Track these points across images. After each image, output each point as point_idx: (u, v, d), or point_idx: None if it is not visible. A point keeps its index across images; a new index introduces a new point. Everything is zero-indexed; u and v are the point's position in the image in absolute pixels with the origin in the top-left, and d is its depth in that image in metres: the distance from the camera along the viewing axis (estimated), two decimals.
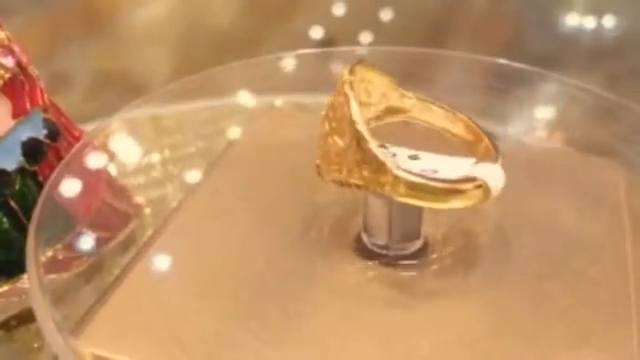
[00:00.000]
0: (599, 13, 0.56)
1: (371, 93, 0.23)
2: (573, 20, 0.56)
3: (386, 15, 0.57)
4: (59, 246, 0.25)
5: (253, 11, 0.61)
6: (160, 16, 0.61)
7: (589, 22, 0.55)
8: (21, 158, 0.24)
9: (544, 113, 0.34)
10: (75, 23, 0.59)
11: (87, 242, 0.26)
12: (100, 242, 0.27)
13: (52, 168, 0.24)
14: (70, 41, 0.56)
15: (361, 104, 0.22)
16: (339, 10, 0.58)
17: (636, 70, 0.49)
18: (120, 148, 0.29)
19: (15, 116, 0.24)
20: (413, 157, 0.22)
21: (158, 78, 0.53)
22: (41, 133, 0.24)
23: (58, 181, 0.23)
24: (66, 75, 0.52)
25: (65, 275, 0.25)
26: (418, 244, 0.22)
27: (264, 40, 0.56)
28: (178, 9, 0.61)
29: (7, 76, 0.23)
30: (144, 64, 0.55)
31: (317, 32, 0.55)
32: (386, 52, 0.34)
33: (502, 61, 0.32)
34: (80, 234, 0.25)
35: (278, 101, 0.33)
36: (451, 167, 0.21)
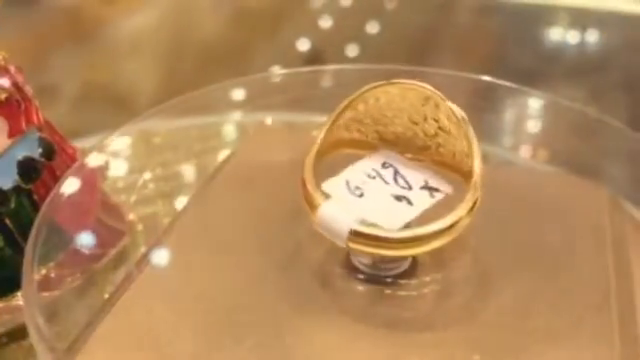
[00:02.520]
0: (582, 28, 0.57)
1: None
2: (556, 35, 0.57)
3: (372, 28, 0.57)
4: (52, 264, 0.25)
5: (240, 23, 0.61)
6: (147, 28, 0.61)
7: (572, 37, 0.56)
8: (17, 177, 0.24)
9: (527, 130, 0.34)
10: (61, 35, 0.59)
11: (80, 259, 0.26)
12: (92, 259, 0.27)
13: (47, 187, 0.25)
14: (55, 53, 0.56)
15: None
16: (326, 23, 0.59)
17: (618, 85, 0.50)
18: (113, 166, 0.30)
19: (11, 135, 0.24)
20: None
21: (144, 90, 0.53)
22: (36, 152, 0.25)
23: (54, 201, 0.24)
24: (51, 88, 0.52)
25: (58, 292, 0.26)
26: (405, 264, 0.23)
27: (251, 52, 0.57)
28: (165, 22, 0.62)
29: (3, 96, 0.24)
30: (130, 77, 0.55)
31: (304, 44, 0.55)
32: (371, 70, 0.35)
33: (486, 78, 0.33)
34: (73, 252, 0.26)
35: (269, 119, 0.34)
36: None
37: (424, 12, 0.62)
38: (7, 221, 0.24)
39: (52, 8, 0.63)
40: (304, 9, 0.62)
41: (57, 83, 0.53)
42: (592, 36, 0.56)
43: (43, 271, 0.24)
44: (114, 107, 0.52)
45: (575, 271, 0.23)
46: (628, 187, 0.30)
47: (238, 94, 0.32)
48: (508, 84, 0.33)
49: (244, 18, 0.62)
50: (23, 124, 0.24)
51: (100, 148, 0.27)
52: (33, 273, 0.22)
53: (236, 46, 0.57)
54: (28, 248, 0.22)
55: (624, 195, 0.29)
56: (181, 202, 0.30)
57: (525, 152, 0.35)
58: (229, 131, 0.33)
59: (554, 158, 0.34)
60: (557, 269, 0.23)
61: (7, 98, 0.24)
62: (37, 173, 0.24)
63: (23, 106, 0.24)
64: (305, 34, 0.56)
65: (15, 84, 0.24)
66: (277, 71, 0.34)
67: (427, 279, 0.22)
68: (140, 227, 0.30)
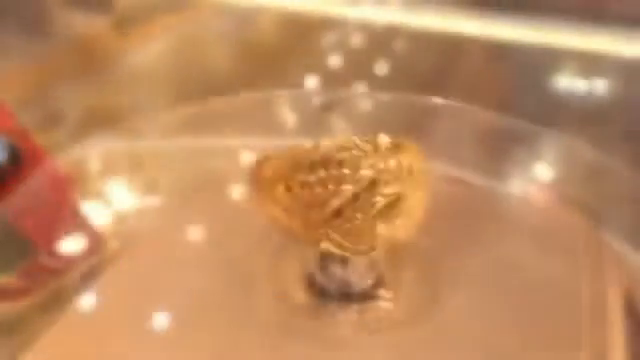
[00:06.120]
0: (590, 77, 0.56)
1: None
2: (563, 83, 0.57)
3: (381, 69, 0.57)
4: (12, 273, 0.24)
5: (248, 59, 0.61)
6: (156, 60, 0.61)
7: (579, 85, 0.55)
8: None
9: (535, 169, 0.33)
10: (71, 64, 0.59)
11: (44, 271, 0.25)
12: (59, 272, 0.26)
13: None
14: (65, 81, 0.56)
15: None
16: (334, 61, 0.59)
17: (623, 135, 0.50)
18: (90, 179, 0.29)
19: None
20: None
21: None
22: (1, 156, 0.24)
23: (13, 204, 0.23)
24: (59, 114, 0.52)
25: (20, 304, 0.25)
26: (373, 280, 0.22)
27: (259, 88, 0.57)
28: (174, 55, 0.62)
29: None
30: (137, 107, 0.55)
31: (312, 82, 0.55)
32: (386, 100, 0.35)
33: (500, 116, 0.32)
34: (36, 262, 0.25)
35: (263, 142, 0.33)
36: None
37: (433, 54, 0.62)
38: None
39: (64, 38, 0.64)
40: (313, 47, 0.63)
41: (65, 110, 0.54)
42: (600, 82, 0.55)
43: (2, 280, 0.23)
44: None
45: (544, 296, 0.22)
46: (628, 230, 0.29)
47: (230, 114, 0.32)
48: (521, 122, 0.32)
49: (252, 54, 0.63)
50: None
51: (78, 158, 0.27)
52: None
53: (244, 82, 0.57)
54: None
55: (623, 238, 0.28)
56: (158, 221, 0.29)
57: (530, 190, 0.34)
58: (220, 152, 0.33)
59: (560, 198, 0.33)
60: (526, 293, 0.22)
61: None
62: (0, 177, 0.24)
63: None
64: (313, 73, 0.56)
65: None
66: (272, 92, 0.34)
67: (393, 297, 0.22)
68: (114, 244, 0.29)
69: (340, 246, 0.21)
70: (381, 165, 0.21)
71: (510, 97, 0.56)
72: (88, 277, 0.27)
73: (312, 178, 0.21)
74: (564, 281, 0.22)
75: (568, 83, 0.57)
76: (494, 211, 0.26)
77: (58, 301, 0.26)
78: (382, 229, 0.21)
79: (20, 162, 0.24)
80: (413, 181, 0.21)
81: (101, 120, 0.52)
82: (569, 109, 0.54)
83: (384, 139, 0.21)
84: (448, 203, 0.23)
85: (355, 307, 0.22)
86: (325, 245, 0.21)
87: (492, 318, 0.21)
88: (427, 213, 0.22)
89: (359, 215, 0.21)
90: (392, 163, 0.21)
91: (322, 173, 0.21)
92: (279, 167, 0.22)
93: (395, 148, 0.21)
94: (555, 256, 0.23)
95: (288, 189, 0.21)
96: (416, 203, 0.21)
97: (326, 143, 0.21)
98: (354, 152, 0.21)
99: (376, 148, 0.21)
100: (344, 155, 0.21)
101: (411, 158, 0.21)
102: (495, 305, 0.22)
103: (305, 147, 0.21)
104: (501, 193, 0.31)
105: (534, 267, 0.23)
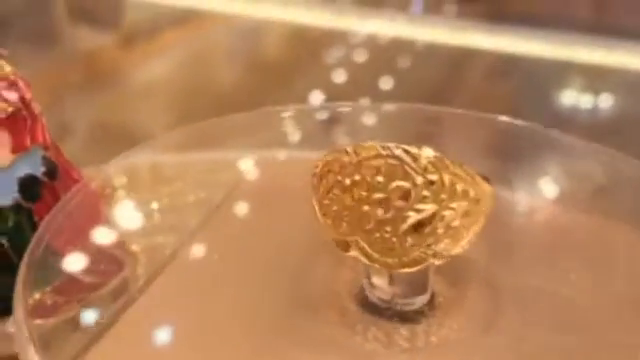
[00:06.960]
0: (595, 92, 0.56)
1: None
2: (569, 98, 0.57)
3: (386, 84, 0.57)
4: (48, 289, 0.24)
5: (254, 74, 0.61)
6: (162, 75, 0.61)
7: (585, 101, 0.56)
8: (17, 194, 0.23)
9: (553, 175, 0.33)
10: (77, 77, 0.59)
11: (76, 287, 0.25)
12: (90, 288, 0.26)
13: (48, 207, 0.24)
14: (72, 94, 0.56)
15: None
16: (339, 77, 0.59)
17: (630, 150, 0.50)
18: (117, 194, 0.29)
19: (14, 151, 0.23)
20: None
21: (157, 134, 0.53)
22: (39, 170, 0.24)
23: (53, 222, 0.23)
24: (67, 127, 0.52)
25: (53, 320, 0.24)
26: (424, 299, 0.21)
27: (264, 103, 0.57)
28: (180, 70, 0.62)
29: (10, 110, 0.23)
30: (144, 121, 0.55)
31: (317, 97, 0.55)
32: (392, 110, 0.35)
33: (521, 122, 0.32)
34: (69, 278, 0.24)
35: (278, 154, 0.33)
36: None
37: (438, 69, 0.62)
38: (3, 240, 0.23)
39: (71, 52, 0.64)
40: (318, 63, 0.63)
41: (72, 123, 0.53)
42: (610, 96, 0.56)
43: (37, 296, 0.23)
44: (127, 149, 0.52)
45: (610, 316, 0.21)
46: None
47: (247, 128, 0.32)
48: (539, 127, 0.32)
49: (258, 69, 0.63)
50: (28, 141, 0.23)
51: (104, 174, 0.27)
52: (26, 296, 0.21)
53: (250, 97, 0.57)
54: (22, 270, 0.21)
55: None
56: (186, 234, 0.29)
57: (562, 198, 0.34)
58: (239, 164, 0.32)
59: (589, 204, 0.32)
60: (590, 313, 0.21)
61: (13, 112, 0.23)
62: (38, 192, 0.24)
63: (29, 123, 0.24)
64: (318, 87, 0.56)
65: (23, 99, 0.24)
66: (290, 107, 0.34)
67: (443, 317, 0.21)
68: (143, 258, 0.29)
69: (367, 256, 0.21)
70: (419, 179, 0.20)
71: (518, 110, 0.56)
72: (119, 292, 0.27)
73: (347, 181, 0.21)
74: (624, 294, 0.22)
75: (577, 97, 0.57)
76: (534, 224, 0.26)
77: (90, 317, 0.26)
78: (419, 246, 0.20)
79: (56, 177, 0.24)
80: (456, 201, 0.20)
81: (106, 134, 0.52)
82: (577, 122, 0.54)
83: (427, 152, 0.21)
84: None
85: (395, 325, 0.21)
86: (354, 253, 0.21)
87: (546, 344, 0.21)
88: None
89: (388, 227, 0.20)
90: (431, 179, 0.20)
91: (357, 177, 0.21)
92: (323, 170, 0.21)
93: (438, 163, 0.20)
94: (607, 267, 0.23)
95: (327, 192, 0.21)
96: (460, 224, 0.20)
97: (367, 147, 0.21)
98: (391, 161, 0.20)
99: (416, 160, 0.20)
100: (380, 162, 0.20)
101: (457, 177, 0.20)
102: (551, 326, 0.21)
103: (346, 149, 0.21)
104: (532, 205, 0.31)
105: (591, 283, 0.23)
